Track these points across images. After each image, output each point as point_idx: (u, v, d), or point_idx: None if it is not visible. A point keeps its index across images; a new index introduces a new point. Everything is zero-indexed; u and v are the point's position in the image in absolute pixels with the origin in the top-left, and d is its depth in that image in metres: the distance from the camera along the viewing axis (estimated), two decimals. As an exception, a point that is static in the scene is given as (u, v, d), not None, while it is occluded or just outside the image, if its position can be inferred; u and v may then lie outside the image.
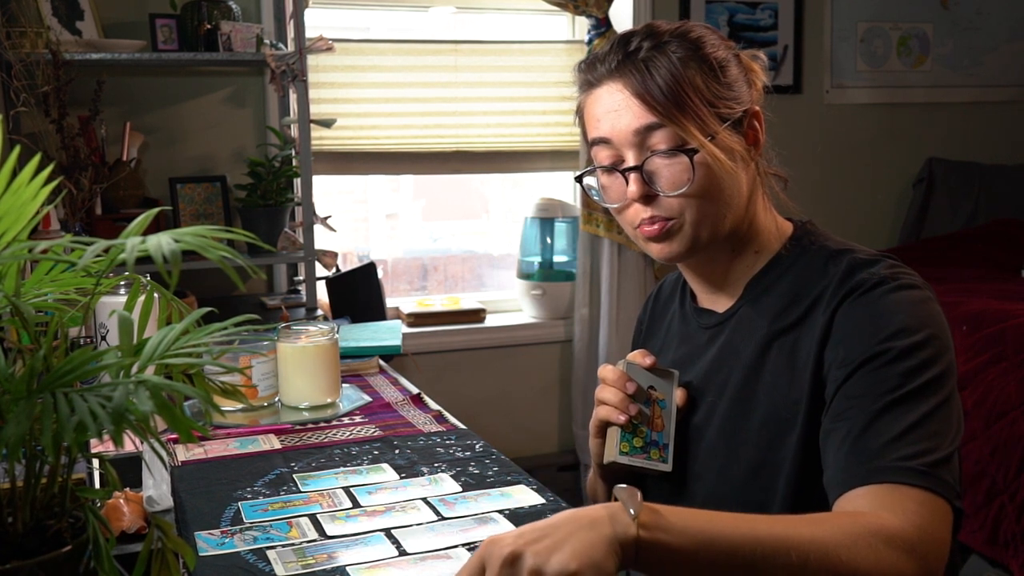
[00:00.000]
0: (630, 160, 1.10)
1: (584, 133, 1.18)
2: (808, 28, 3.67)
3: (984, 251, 3.60)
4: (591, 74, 1.13)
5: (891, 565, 0.87)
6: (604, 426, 1.15)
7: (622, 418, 1.12)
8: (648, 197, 1.10)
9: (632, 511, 0.81)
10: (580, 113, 1.18)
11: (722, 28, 3.53)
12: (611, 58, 1.11)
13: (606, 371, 1.16)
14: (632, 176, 1.09)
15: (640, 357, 1.15)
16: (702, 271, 1.20)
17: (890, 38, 3.82)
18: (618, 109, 1.09)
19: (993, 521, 2.40)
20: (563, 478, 3.42)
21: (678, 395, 1.15)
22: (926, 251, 3.61)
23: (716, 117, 1.08)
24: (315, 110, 2.82)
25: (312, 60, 2.86)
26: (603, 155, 1.13)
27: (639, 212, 1.11)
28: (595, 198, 1.18)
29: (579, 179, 1.18)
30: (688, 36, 1.11)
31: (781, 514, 1.06)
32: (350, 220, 3.51)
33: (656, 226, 1.11)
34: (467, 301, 3.45)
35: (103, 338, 1.56)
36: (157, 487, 1.21)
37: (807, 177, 3.59)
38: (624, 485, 0.84)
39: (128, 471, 1.23)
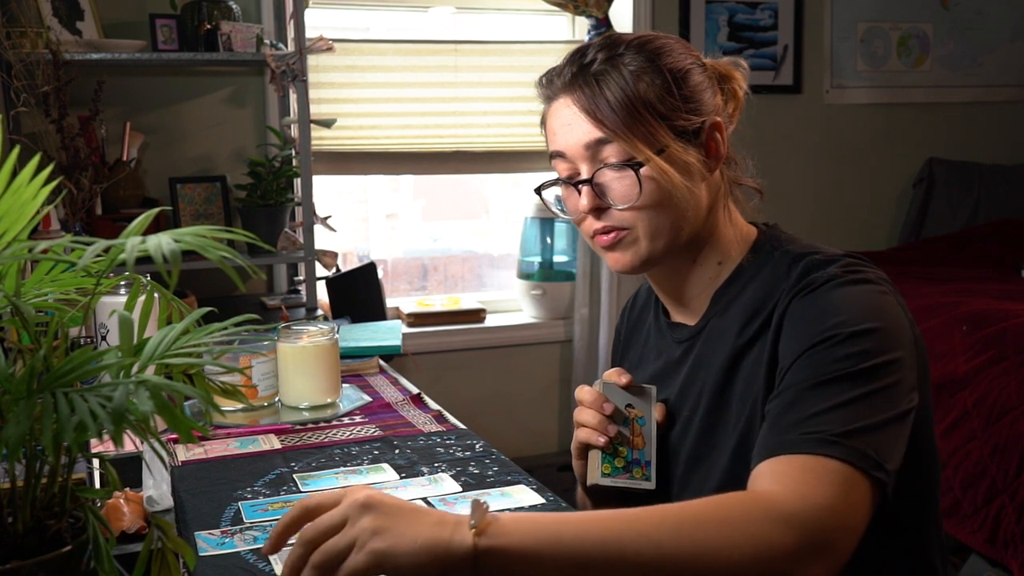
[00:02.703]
0: (583, 173, 1.11)
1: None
2: (808, 28, 3.67)
3: (984, 251, 3.60)
4: (549, 88, 1.14)
5: (763, 537, 0.83)
6: (585, 448, 1.15)
7: (601, 440, 1.11)
8: (599, 210, 1.11)
9: (473, 521, 0.81)
10: (543, 125, 1.18)
11: (722, 28, 3.53)
12: (566, 72, 1.12)
13: (583, 393, 1.15)
14: (584, 189, 1.11)
15: (616, 376, 1.15)
16: (665, 283, 1.20)
17: (890, 38, 3.82)
18: (570, 123, 1.11)
19: (993, 521, 2.40)
20: (563, 478, 3.41)
21: (657, 411, 1.15)
22: (926, 251, 3.61)
23: (669, 130, 1.08)
24: (315, 110, 2.82)
25: (312, 60, 2.86)
26: (561, 167, 1.14)
27: (592, 223, 1.12)
28: (554, 210, 1.19)
29: (538, 191, 1.20)
30: (646, 47, 1.10)
31: None
32: (350, 220, 3.51)
33: (610, 236, 1.11)
34: (467, 301, 3.45)
35: (103, 338, 1.56)
36: (157, 487, 1.21)
37: (807, 177, 3.59)
38: (477, 499, 0.83)
39: (128, 471, 1.23)
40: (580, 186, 1.11)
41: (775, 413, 0.98)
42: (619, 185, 1.09)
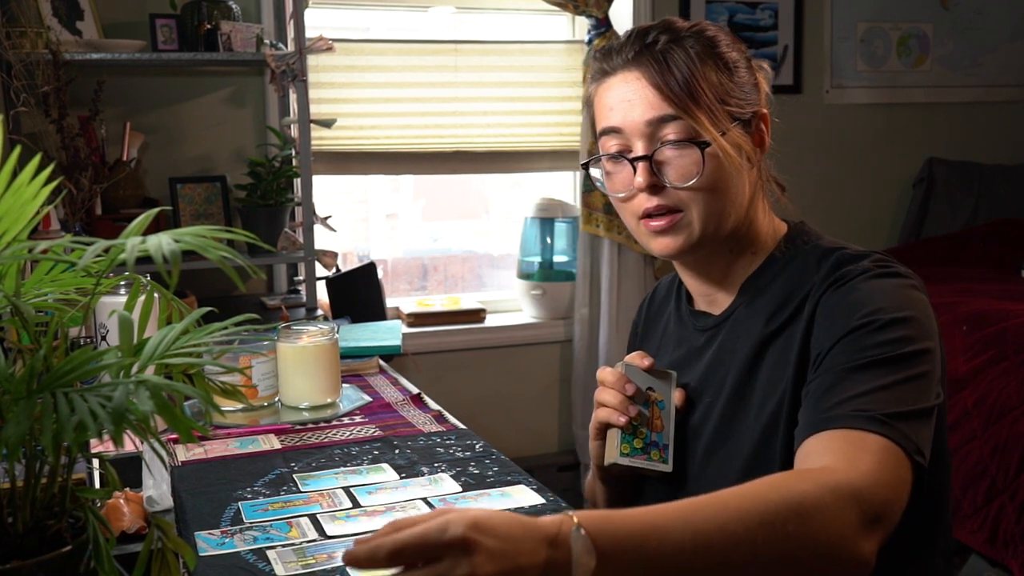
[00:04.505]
0: (639, 150, 1.10)
1: (592, 123, 1.18)
2: (808, 28, 3.67)
3: (984, 251, 3.60)
4: (607, 63, 1.14)
5: (838, 518, 0.83)
6: (604, 428, 1.16)
7: (622, 419, 1.12)
8: (655, 188, 1.10)
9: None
10: (590, 103, 1.18)
11: (722, 28, 3.53)
12: (628, 49, 1.12)
13: (605, 373, 1.16)
14: (640, 165, 1.10)
15: (638, 359, 1.16)
16: (700, 270, 1.20)
17: (890, 38, 3.82)
18: (632, 99, 1.10)
19: (993, 521, 2.40)
20: (563, 478, 3.42)
21: (676, 396, 1.16)
22: (926, 251, 3.60)
23: (727, 115, 1.10)
24: (315, 110, 2.82)
25: (312, 60, 2.86)
26: (611, 144, 1.13)
27: (643, 202, 1.11)
28: (599, 188, 1.18)
29: (585, 166, 1.19)
30: (704, 34, 1.13)
31: None
32: (350, 220, 3.51)
33: (663, 220, 1.11)
34: (467, 301, 3.45)
35: (103, 338, 1.56)
36: (157, 487, 1.21)
37: (807, 177, 3.59)
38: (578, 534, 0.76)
39: (128, 471, 1.23)
40: (637, 163, 1.10)
41: (818, 392, 0.99)
42: (680, 163, 1.09)
